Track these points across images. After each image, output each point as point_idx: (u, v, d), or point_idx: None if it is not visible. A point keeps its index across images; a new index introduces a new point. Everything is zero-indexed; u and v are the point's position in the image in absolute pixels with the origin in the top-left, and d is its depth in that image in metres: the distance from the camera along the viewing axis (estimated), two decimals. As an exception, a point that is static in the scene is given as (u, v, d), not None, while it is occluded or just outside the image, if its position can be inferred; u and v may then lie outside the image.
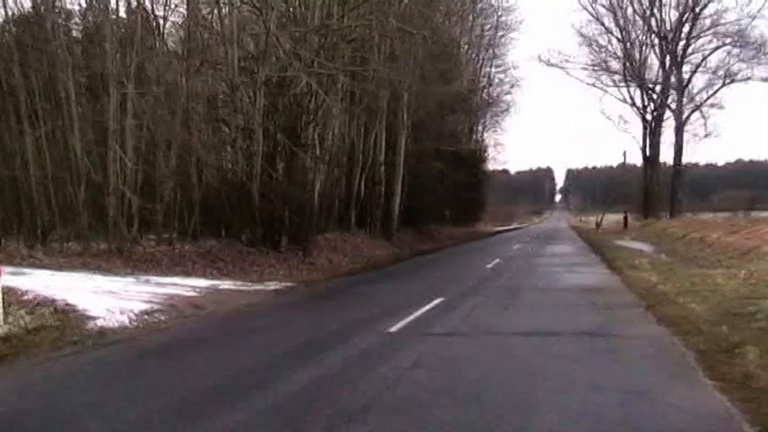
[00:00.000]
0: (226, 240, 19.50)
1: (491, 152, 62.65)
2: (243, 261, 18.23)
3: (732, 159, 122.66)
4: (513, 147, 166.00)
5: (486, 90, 57.53)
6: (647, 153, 55.09)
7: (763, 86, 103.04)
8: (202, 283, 13.38)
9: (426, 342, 8.05)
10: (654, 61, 54.31)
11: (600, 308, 10.73)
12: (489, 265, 20.17)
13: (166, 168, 17.84)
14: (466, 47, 52.00)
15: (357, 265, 21.43)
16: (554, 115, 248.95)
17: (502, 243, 39.13)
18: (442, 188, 41.43)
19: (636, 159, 73.89)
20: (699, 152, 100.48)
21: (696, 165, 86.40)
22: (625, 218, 51.44)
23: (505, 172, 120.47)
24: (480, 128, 59.73)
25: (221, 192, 19.55)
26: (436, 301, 11.19)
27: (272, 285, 14.01)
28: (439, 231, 42.80)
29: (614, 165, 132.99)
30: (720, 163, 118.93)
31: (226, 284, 13.61)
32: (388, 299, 12.59)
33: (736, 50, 50.09)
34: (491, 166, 65.25)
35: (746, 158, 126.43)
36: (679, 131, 51.57)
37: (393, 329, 8.70)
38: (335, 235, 26.56)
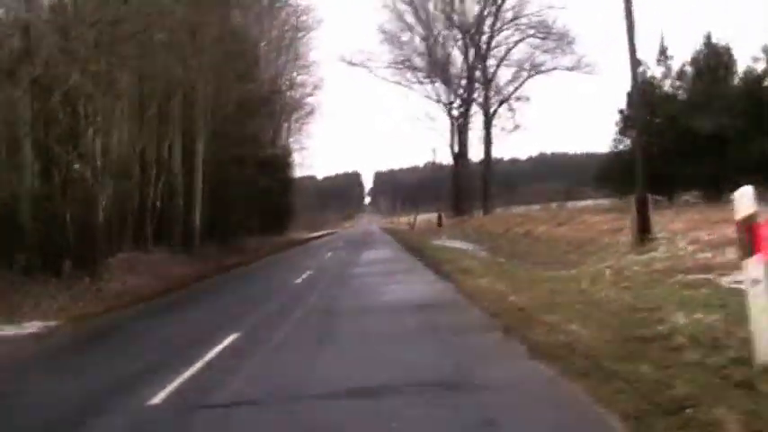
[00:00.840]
0: (-8, 271, 16.36)
1: (297, 157, 61.60)
2: (13, 293, 15.28)
3: (535, 153, 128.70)
4: (319, 152, 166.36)
5: (288, 92, 56.31)
6: (456, 150, 56.76)
7: (559, 78, 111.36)
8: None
9: (194, 425, 5.53)
10: (458, 56, 55.87)
11: (444, 335, 8.48)
12: (299, 280, 18.14)
13: None
14: (265, 48, 50.40)
15: (153, 288, 19.08)
16: (359, 118, 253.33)
17: (313, 251, 37.82)
18: (248, 197, 39.51)
19: (445, 157, 76.44)
20: (503, 147, 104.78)
21: (501, 159, 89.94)
22: (439, 217, 51.91)
23: (313, 178, 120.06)
24: (284, 132, 58.41)
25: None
26: (230, 339, 8.93)
27: (28, 328, 11.32)
28: (246, 242, 40.82)
29: (422, 165, 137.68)
30: (524, 157, 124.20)
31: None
32: (170, 338, 10.08)
33: (538, 42, 52.56)
34: (298, 171, 64.16)
35: (549, 152, 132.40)
36: (487, 125, 53.44)
37: (156, 400, 6.14)
38: (131, 254, 23.80)
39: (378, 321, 10.15)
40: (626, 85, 39.48)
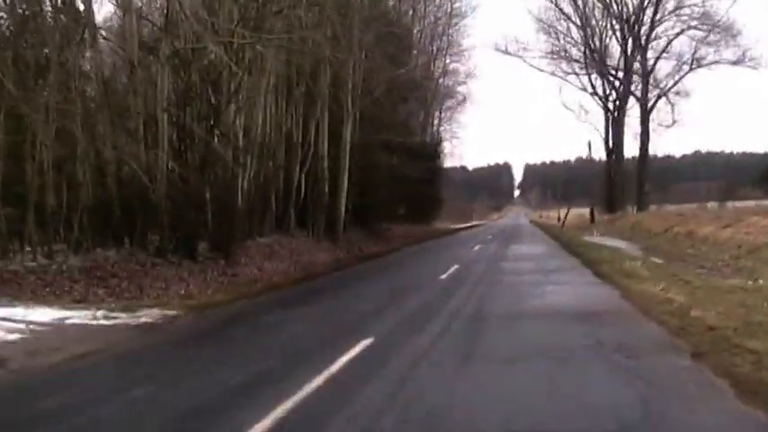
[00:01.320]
0: (127, 250, 15.91)
1: (447, 146, 59.87)
2: (144, 276, 14.62)
3: (689, 151, 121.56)
4: (470, 142, 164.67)
5: (440, 80, 54.66)
6: (610, 144, 52.77)
7: (719, 72, 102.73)
8: (48, 314, 9.72)
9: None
10: (615, 47, 51.90)
11: (617, 355, 6.62)
12: (444, 275, 16.15)
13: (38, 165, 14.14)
14: (419, 35, 49.08)
15: (290, 275, 18.10)
16: (511, 108, 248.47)
17: (459, 243, 36.06)
18: (395, 184, 38.27)
19: (598, 152, 71.73)
20: (657, 143, 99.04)
21: (655, 156, 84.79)
22: (591, 212, 48.76)
23: (463, 168, 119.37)
24: (435, 120, 56.86)
25: (118, 193, 15.92)
26: (359, 348, 7.35)
27: (142, 317, 10.05)
28: (392, 230, 39.63)
29: (573, 159, 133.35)
30: (678, 155, 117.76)
31: (83, 316, 9.86)
32: (292, 340, 8.49)
33: (701, 34, 47.74)
34: (448, 161, 62.60)
35: (704, 150, 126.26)
36: (644, 120, 48.94)
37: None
38: (272, 239, 23.15)
39: (534, 333, 8.43)
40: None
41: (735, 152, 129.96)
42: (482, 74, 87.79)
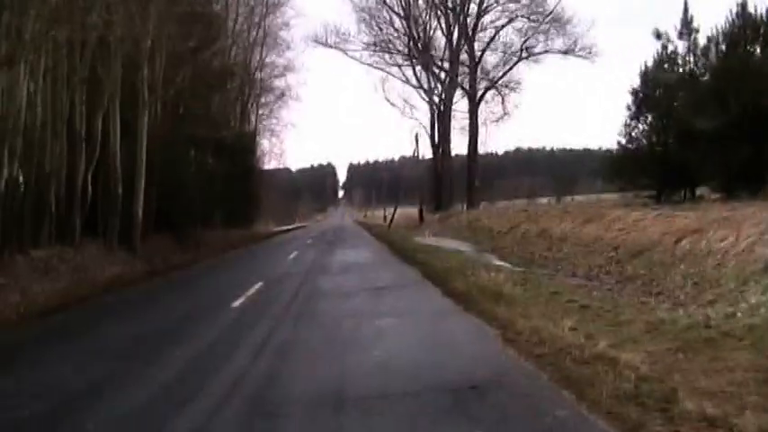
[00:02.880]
0: None
1: (266, 144, 56.83)
2: None
3: (511, 148, 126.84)
4: (294, 143, 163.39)
5: (257, 73, 51.37)
6: (436, 139, 52.41)
7: (533, 71, 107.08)
8: None
9: None
10: (441, 39, 51.15)
11: None
12: (238, 302, 12.02)
13: None
14: (233, 24, 45.61)
15: (66, 296, 14.57)
16: (336, 108, 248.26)
17: (277, 248, 33.19)
18: (207, 183, 34.79)
19: (423, 150, 71.75)
20: (480, 142, 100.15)
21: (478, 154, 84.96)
22: (420, 211, 47.29)
23: (287, 170, 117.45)
24: (253, 117, 53.54)
25: None
26: None
27: None
28: (206, 237, 36.05)
29: (397, 158, 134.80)
30: (500, 152, 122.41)
31: None
32: None
33: (530, 24, 47.67)
34: (272, 162, 59.67)
35: (525, 147, 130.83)
36: (473, 112, 48.38)
37: None
38: (51, 251, 19.17)
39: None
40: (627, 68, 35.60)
41: (555, 148, 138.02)
42: (306, 76, 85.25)
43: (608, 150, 33.12)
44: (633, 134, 28.90)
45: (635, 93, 28.85)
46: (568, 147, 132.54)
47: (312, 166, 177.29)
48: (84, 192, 21.25)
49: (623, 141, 29.22)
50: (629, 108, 29.14)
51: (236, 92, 45.18)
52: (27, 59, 15.84)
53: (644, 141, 28.83)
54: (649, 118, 28.60)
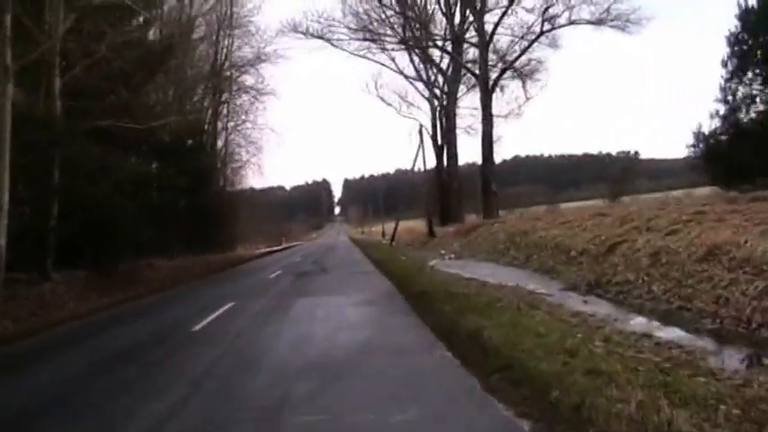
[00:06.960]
0: None
1: (244, 155, 47.65)
2: None
3: (509, 156, 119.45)
4: (287, 161, 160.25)
5: (226, 66, 42.46)
6: (439, 140, 43.53)
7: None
8: None
9: None
10: (442, 20, 42.12)
11: None
12: None
13: None
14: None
15: None
16: (328, 125, 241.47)
17: (233, 289, 21.70)
18: (148, 197, 25.85)
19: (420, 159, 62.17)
20: (473, 152, 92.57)
21: (475, 164, 77.54)
22: (429, 224, 37.13)
23: (281, 188, 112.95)
24: (221, 122, 44.54)
25: None
26: None
27: None
28: (152, 268, 26.98)
29: (392, 171, 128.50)
30: (498, 161, 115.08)
31: None
32: None
33: None
34: (248, 175, 50.85)
35: (523, 155, 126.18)
36: (486, 104, 36.58)
37: None
38: None
39: None
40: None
41: (553, 155, 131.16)
42: (303, 82, 76.47)
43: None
44: (736, 98, 19.96)
45: (735, 40, 20.01)
46: (566, 153, 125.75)
47: (307, 183, 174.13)
48: None
49: (721, 111, 20.28)
50: (724, 64, 20.29)
51: (194, 79, 36.33)
52: None
53: (750, 109, 19.95)
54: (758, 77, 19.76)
